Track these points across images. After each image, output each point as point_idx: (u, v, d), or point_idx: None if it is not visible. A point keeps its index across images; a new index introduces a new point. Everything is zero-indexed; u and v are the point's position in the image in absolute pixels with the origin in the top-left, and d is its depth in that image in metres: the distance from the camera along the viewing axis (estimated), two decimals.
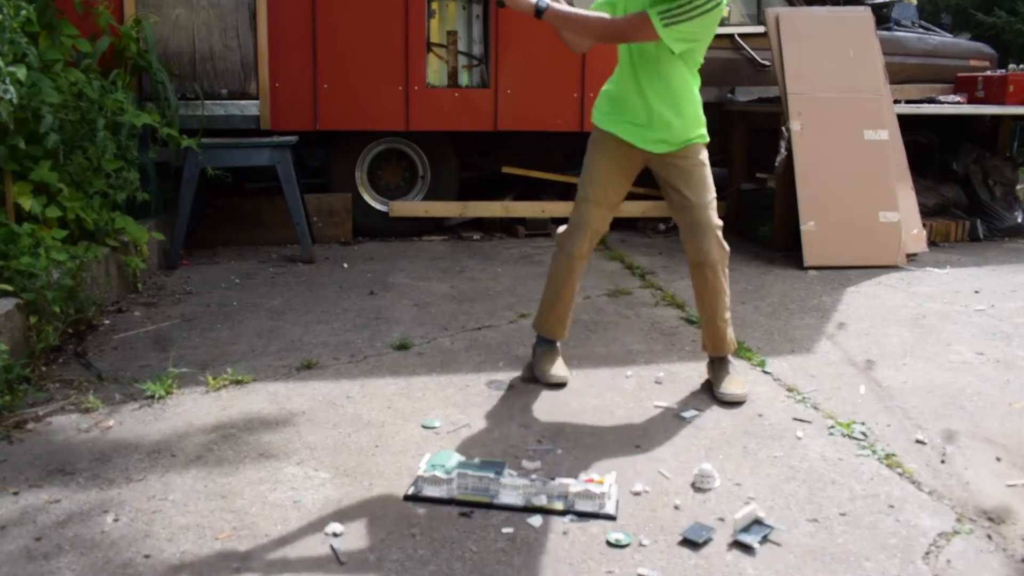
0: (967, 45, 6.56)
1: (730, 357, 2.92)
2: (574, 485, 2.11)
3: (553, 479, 2.17)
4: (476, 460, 2.27)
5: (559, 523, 2.04)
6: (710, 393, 2.86)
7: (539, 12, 2.64)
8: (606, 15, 2.66)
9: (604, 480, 2.12)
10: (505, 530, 2.01)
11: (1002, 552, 1.96)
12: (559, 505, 2.09)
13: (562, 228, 2.95)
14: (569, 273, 2.91)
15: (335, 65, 5.07)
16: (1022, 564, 1.92)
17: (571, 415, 2.69)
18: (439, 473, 2.14)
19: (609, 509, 2.08)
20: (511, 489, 2.12)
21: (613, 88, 2.85)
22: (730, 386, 2.82)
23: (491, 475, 2.14)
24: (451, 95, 5.31)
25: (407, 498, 2.15)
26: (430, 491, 2.14)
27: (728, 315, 2.86)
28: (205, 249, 4.97)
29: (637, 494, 2.19)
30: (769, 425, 2.63)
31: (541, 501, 2.09)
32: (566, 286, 2.93)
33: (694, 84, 2.75)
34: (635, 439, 2.52)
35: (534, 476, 2.18)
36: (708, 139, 2.81)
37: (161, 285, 4.19)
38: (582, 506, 2.07)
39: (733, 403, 2.77)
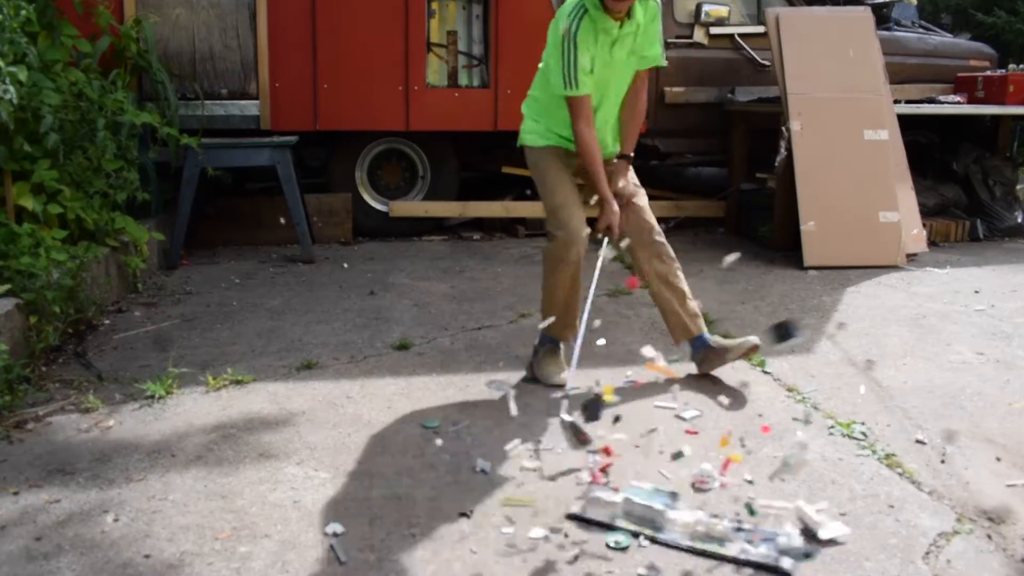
0: (967, 45, 6.55)
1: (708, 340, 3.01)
2: (745, 532, 1.92)
3: (726, 518, 2.01)
4: (649, 487, 2.16)
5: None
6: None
7: (631, 160, 3.00)
8: (638, 110, 2.98)
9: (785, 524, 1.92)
10: (505, 530, 2.02)
11: (1002, 552, 1.96)
12: (730, 550, 1.89)
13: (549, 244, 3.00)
14: (576, 278, 2.97)
15: (335, 65, 5.07)
16: (1022, 564, 1.92)
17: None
18: (604, 495, 2.05)
19: (785, 565, 1.83)
20: (677, 525, 1.97)
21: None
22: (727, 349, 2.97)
23: (659, 507, 2.01)
24: (451, 95, 5.31)
25: (569, 517, 2.05)
26: (593, 513, 2.03)
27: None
28: (205, 249, 4.97)
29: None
30: (769, 425, 2.63)
31: (708, 544, 1.91)
32: (574, 290, 2.99)
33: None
34: (634, 439, 2.52)
35: (704, 514, 2.00)
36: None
37: (161, 285, 4.20)
38: (756, 555, 1.86)
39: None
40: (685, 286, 3.02)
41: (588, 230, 2.92)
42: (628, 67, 2.86)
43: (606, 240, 2.86)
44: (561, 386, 2.86)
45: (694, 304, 3.01)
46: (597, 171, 2.83)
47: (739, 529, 1.97)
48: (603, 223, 2.88)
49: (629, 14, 2.75)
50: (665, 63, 2.97)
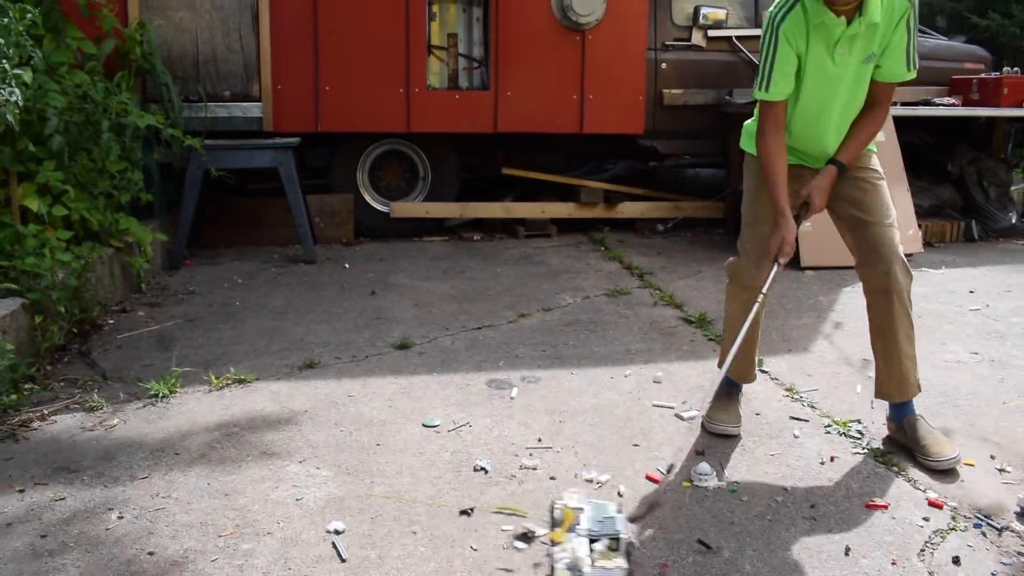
0: (962, 48, 6.58)
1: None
2: None
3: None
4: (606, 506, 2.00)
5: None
6: (908, 452, 2.45)
7: (843, 170, 2.39)
8: (875, 120, 2.39)
9: None
10: (505, 527, 2.04)
11: (996, 549, 1.99)
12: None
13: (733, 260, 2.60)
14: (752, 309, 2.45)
15: (337, 67, 5.10)
16: (1016, 561, 1.94)
17: (570, 414, 2.72)
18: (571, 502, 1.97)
19: None
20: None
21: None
22: (937, 444, 2.37)
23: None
24: (452, 97, 5.34)
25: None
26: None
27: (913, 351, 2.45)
28: (208, 249, 5.00)
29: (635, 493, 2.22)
30: (766, 424, 2.65)
31: None
32: (754, 324, 2.49)
33: None
34: (634, 438, 2.55)
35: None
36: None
37: (165, 285, 4.22)
38: None
39: (949, 471, 2.33)
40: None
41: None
42: (861, 78, 2.32)
43: (778, 262, 2.39)
44: (727, 436, 2.54)
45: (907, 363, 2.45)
46: (773, 181, 2.37)
47: None
48: (775, 242, 2.38)
49: (860, 10, 2.21)
50: (913, 74, 2.33)
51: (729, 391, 2.64)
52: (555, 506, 2.02)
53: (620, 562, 1.83)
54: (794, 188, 2.45)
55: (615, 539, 1.87)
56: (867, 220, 2.40)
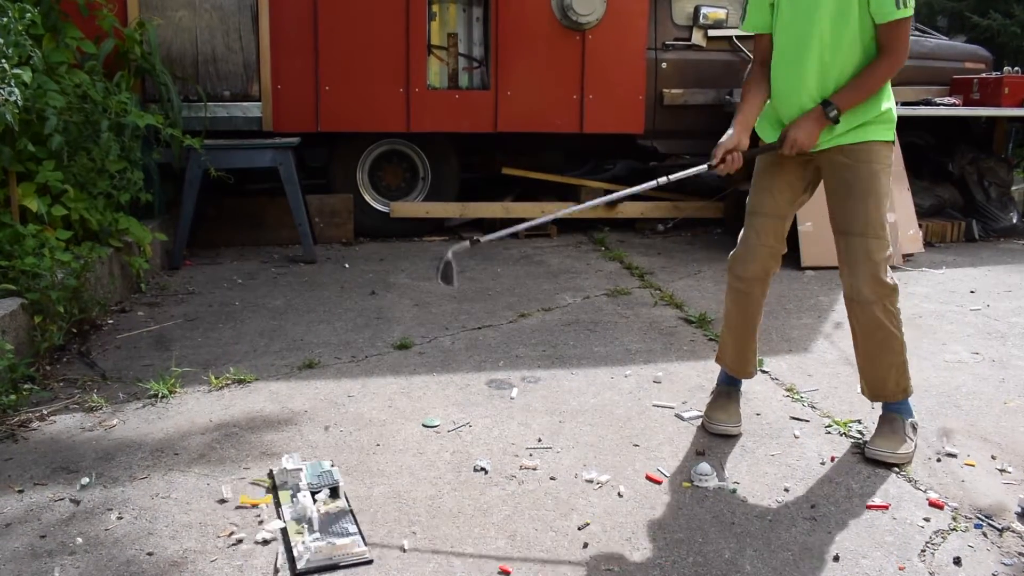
0: (963, 48, 6.58)
1: (909, 419, 2.46)
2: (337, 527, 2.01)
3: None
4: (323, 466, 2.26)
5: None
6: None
7: (836, 120, 2.29)
8: (878, 65, 2.29)
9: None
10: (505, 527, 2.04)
11: (997, 549, 1.99)
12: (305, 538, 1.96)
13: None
14: (746, 303, 2.52)
15: (336, 67, 5.10)
16: (1017, 561, 1.94)
17: (570, 414, 2.72)
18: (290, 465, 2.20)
19: (299, 563, 1.87)
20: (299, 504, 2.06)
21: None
22: (883, 441, 2.40)
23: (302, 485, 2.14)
24: (451, 97, 5.34)
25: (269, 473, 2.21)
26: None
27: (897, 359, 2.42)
28: (208, 249, 5.00)
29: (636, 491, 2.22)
30: (767, 424, 2.65)
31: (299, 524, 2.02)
32: (746, 319, 2.54)
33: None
34: (634, 438, 2.55)
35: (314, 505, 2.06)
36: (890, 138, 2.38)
37: (164, 285, 4.22)
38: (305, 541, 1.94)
39: (876, 462, 2.37)
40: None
41: (782, 250, 2.49)
42: (844, 11, 2.24)
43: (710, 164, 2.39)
44: (726, 436, 2.55)
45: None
46: (741, 100, 2.40)
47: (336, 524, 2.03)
48: (718, 148, 2.38)
49: None
50: (905, 13, 2.21)
51: (728, 391, 2.64)
52: (274, 472, 2.25)
53: (341, 503, 2.10)
54: (790, 177, 2.44)
55: (334, 488, 2.13)
56: (844, 229, 2.38)
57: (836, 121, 2.28)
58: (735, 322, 2.55)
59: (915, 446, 2.42)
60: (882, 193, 2.36)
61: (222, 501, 2.14)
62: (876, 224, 2.33)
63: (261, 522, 2.05)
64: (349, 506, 2.11)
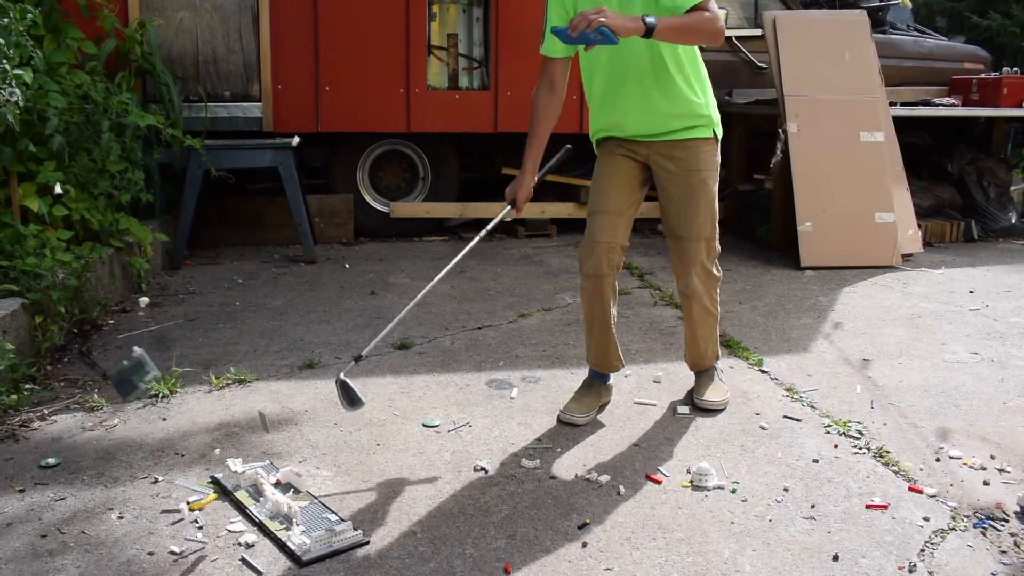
0: (962, 48, 6.59)
1: (718, 365, 2.86)
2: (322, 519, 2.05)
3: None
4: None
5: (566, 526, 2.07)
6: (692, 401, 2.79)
7: (650, 30, 2.22)
8: (707, 14, 2.29)
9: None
10: (505, 526, 2.05)
11: (996, 549, 1.99)
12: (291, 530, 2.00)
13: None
14: (597, 299, 2.63)
15: (337, 67, 5.11)
16: (1017, 561, 1.95)
17: None
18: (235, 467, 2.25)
19: (300, 551, 1.91)
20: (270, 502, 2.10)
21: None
22: (710, 392, 2.75)
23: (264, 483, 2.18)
24: (451, 97, 5.34)
25: (211, 480, 2.24)
26: (225, 480, 2.23)
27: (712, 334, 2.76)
28: (208, 249, 5.00)
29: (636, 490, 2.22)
30: (766, 424, 2.65)
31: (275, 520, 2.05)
32: (598, 314, 2.65)
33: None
34: (634, 438, 2.55)
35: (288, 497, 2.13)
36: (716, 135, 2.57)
37: (165, 285, 4.22)
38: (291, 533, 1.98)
39: (709, 410, 2.72)
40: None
41: (621, 243, 2.59)
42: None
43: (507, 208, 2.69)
44: (572, 425, 2.63)
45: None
46: (530, 135, 2.67)
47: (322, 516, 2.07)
48: (509, 190, 2.68)
49: None
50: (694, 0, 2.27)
51: (591, 383, 2.75)
52: (219, 478, 2.25)
53: (308, 498, 2.15)
54: (626, 176, 2.59)
55: (291, 485, 2.20)
56: (677, 234, 2.58)
57: (651, 26, 2.21)
58: (591, 319, 2.67)
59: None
60: (712, 199, 2.57)
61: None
62: (707, 228, 2.58)
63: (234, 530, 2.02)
64: (316, 498, 2.15)
